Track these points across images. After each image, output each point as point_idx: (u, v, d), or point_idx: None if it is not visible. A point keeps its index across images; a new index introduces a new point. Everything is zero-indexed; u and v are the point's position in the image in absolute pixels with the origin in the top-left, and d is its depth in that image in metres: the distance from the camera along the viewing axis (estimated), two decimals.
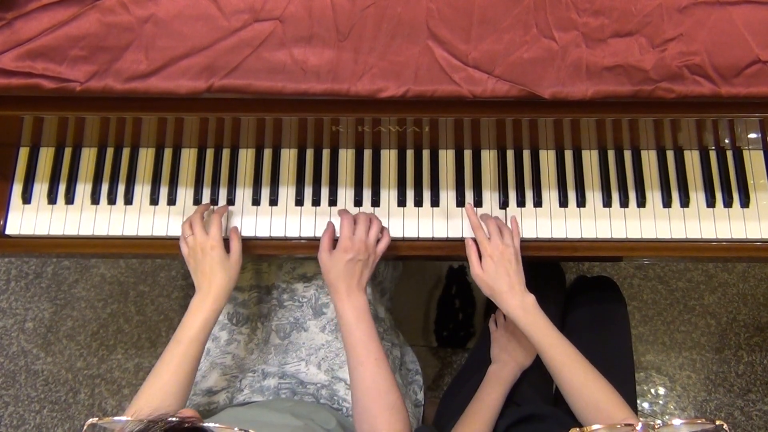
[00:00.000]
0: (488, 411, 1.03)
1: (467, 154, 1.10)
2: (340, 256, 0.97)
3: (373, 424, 0.87)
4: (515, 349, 1.10)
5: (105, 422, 0.70)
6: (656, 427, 0.72)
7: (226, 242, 1.01)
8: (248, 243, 1.06)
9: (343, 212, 1.03)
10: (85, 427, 0.69)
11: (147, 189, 1.08)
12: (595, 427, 0.76)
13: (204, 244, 0.97)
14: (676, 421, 0.71)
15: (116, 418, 0.72)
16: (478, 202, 1.07)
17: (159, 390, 0.89)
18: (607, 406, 0.89)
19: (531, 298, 0.97)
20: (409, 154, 1.10)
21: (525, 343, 1.11)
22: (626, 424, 0.75)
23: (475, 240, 1.01)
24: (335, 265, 0.97)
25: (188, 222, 1.01)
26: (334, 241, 1.00)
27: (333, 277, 0.97)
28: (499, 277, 0.97)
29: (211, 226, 0.99)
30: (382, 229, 1.03)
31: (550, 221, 1.06)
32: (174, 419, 0.66)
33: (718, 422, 0.69)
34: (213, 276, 0.96)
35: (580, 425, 0.91)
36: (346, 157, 1.09)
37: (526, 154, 1.09)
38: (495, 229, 1.00)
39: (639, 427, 0.73)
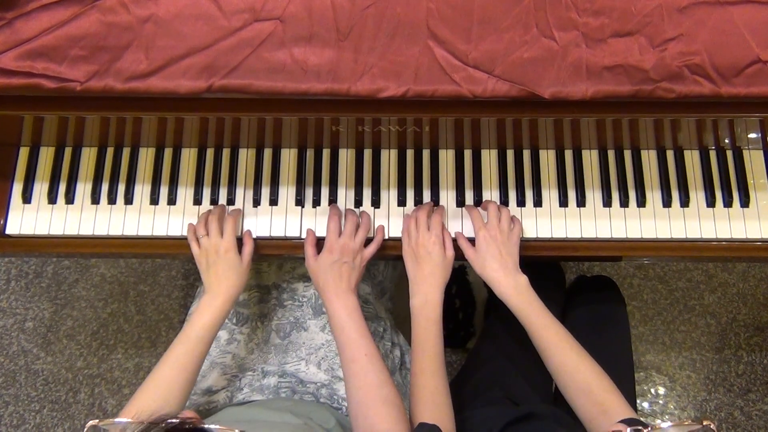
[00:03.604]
0: (438, 359, 0.95)
1: (467, 154, 1.10)
2: (324, 258, 0.98)
3: (367, 418, 0.87)
4: (438, 266, 1.00)
5: (106, 424, 0.70)
6: (644, 431, 0.72)
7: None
8: None
9: (331, 212, 1.03)
10: (86, 429, 0.69)
11: (147, 189, 1.08)
12: None
13: (218, 246, 0.99)
14: (664, 424, 0.71)
15: (117, 420, 0.72)
16: (478, 202, 1.07)
17: (162, 387, 0.89)
18: (599, 390, 0.89)
19: (524, 279, 0.97)
20: (409, 153, 1.10)
21: (446, 255, 1.01)
22: (614, 431, 0.75)
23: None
24: (321, 268, 0.98)
25: (203, 221, 1.02)
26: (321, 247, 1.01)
27: (321, 280, 0.98)
28: (491, 257, 0.98)
29: (227, 229, 1.01)
30: (377, 231, 1.04)
31: (550, 221, 1.06)
32: (174, 420, 0.66)
33: (705, 422, 0.69)
34: (225, 279, 0.98)
35: (579, 423, 0.91)
36: (346, 157, 1.09)
37: (526, 154, 1.10)
38: (494, 213, 1.01)
39: None
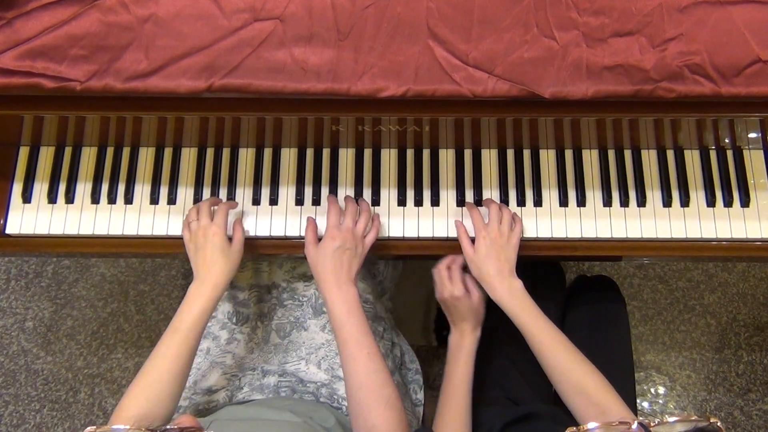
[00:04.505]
0: (463, 387, 1.01)
1: (467, 154, 1.10)
2: (327, 244, 0.97)
3: (368, 418, 0.86)
4: (468, 311, 1.04)
5: (103, 431, 0.70)
6: (652, 425, 0.72)
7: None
8: (248, 242, 1.05)
9: (330, 201, 1.03)
10: None
11: (147, 188, 1.08)
12: (590, 426, 0.75)
13: (207, 229, 0.97)
14: (671, 419, 0.71)
15: (114, 427, 0.72)
16: (478, 202, 1.07)
17: (154, 384, 0.88)
18: (594, 391, 0.89)
19: (518, 283, 0.98)
20: (410, 153, 1.10)
21: (472, 300, 1.05)
22: (621, 422, 0.75)
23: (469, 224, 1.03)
24: (323, 255, 0.96)
25: (195, 208, 1.01)
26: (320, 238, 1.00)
27: (321, 268, 0.96)
28: (489, 261, 0.99)
29: (217, 214, 1.00)
30: (373, 218, 1.04)
31: (550, 221, 1.06)
32: (172, 428, 0.66)
33: (712, 419, 0.69)
34: (213, 263, 0.96)
35: (578, 424, 0.91)
36: (346, 156, 1.09)
37: (527, 154, 1.09)
38: (495, 214, 1.02)
39: (635, 426, 0.72)
